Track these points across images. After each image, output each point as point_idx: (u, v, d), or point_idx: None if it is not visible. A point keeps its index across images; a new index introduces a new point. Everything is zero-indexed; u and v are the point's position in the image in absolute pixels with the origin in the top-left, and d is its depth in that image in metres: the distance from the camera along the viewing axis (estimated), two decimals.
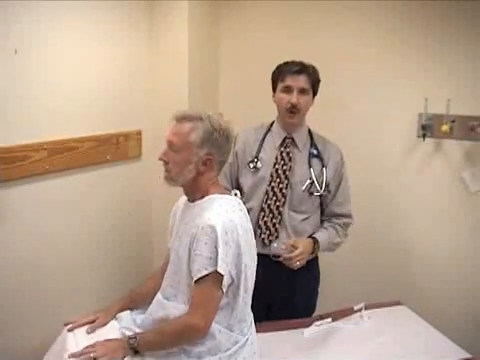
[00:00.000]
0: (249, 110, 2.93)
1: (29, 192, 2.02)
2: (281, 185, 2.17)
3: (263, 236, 2.17)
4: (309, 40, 2.81)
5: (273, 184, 2.17)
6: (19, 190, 1.97)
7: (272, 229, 2.17)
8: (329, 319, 2.15)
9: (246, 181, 2.22)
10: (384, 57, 2.71)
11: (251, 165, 2.21)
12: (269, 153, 2.22)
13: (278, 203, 2.17)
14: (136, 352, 1.65)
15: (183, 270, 1.68)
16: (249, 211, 2.17)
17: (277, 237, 2.16)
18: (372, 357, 1.94)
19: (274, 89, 2.21)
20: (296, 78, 2.12)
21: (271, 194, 2.17)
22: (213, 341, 1.66)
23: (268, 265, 2.08)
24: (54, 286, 2.17)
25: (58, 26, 2.10)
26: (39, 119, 2.04)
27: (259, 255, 2.00)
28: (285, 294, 2.22)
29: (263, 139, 2.24)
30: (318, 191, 2.18)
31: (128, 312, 1.86)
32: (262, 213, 2.17)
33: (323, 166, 2.20)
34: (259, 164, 2.20)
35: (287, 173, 2.17)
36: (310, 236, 2.19)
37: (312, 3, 2.81)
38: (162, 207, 2.54)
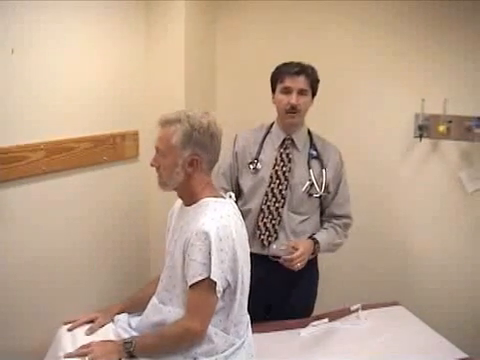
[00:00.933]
0: (246, 110, 2.94)
1: (26, 193, 2.01)
2: (281, 186, 2.17)
3: (262, 237, 2.17)
4: (306, 40, 2.81)
5: (273, 185, 2.17)
6: (16, 191, 1.96)
7: (271, 230, 2.17)
8: (326, 319, 2.16)
9: (246, 182, 2.22)
10: (381, 58, 2.72)
11: (251, 166, 2.21)
12: (269, 154, 2.22)
13: (277, 204, 2.17)
14: (132, 356, 1.64)
15: (178, 274, 1.68)
16: (248, 212, 2.19)
17: (276, 238, 2.16)
18: (369, 357, 1.94)
19: (273, 90, 2.21)
20: (295, 79, 2.12)
21: (270, 195, 2.17)
22: (210, 344, 1.66)
23: (267, 266, 2.08)
24: (51, 286, 2.16)
25: (55, 26, 2.08)
26: (36, 119, 2.03)
27: (258, 256, 2.02)
28: (284, 295, 2.22)
29: (263, 140, 2.24)
30: (317, 192, 2.18)
31: (125, 314, 1.86)
32: (261, 214, 2.17)
33: (322, 167, 2.21)
34: (259, 165, 2.20)
35: (287, 174, 2.17)
36: (310, 237, 2.19)
37: (308, 3, 2.81)
38: (159, 207, 2.54)
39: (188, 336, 1.63)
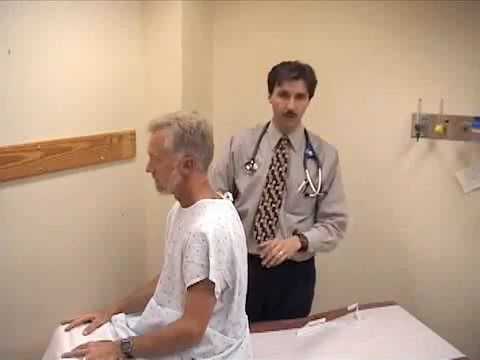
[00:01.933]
0: (243, 110, 2.93)
1: (23, 193, 2.01)
2: (277, 187, 2.17)
3: (259, 238, 2.16)
4: (303, 40, 2.80)
5: (269, 186, 2.17)
6: (13, 191, 1.96)
7: (268, 231, 2.16)
8: (323, 319, 2.16)
9: (242, 183, 2.22)
10: (378, 58, 2.72)
11: (247, 167, 2.21)
12: (265, 155, 2.21)
13: (274, 205, 2.16)
14: (129, 357, 1.64)
15: (176, 276, 1.68)
16: (245, 213, 2.18)
17: (273, 239, 2.15)
18: (366, 357, 1.95)
19: (270, 90, 2.20)
20: (293, 83, 2.10)
21: (267, 196, 2.17)
22: (208, 345, 1.66)
23: (264, 266, 2.08)
24: (48, 286, 2.16)
25: (52, 27, 2.08)
26: (33, 120, 2.03)
27: (255, 256, 2.01)
28: (281, 295, 2.22)
29: (259, 141, 2.24)
30: (314, 192, 2.18)
31: (123, 314, 1.86)
32: (258, 215, 2.17)
33: (318, 167, 2.20)
34: (255, 166, 2.20)
35: (283, 175, 2.17)
36: (295, 233, 2.16)
37: (305, 3, 2.80)
38: (156, 207, 2.53)
39: (186, 338, 1.63)
